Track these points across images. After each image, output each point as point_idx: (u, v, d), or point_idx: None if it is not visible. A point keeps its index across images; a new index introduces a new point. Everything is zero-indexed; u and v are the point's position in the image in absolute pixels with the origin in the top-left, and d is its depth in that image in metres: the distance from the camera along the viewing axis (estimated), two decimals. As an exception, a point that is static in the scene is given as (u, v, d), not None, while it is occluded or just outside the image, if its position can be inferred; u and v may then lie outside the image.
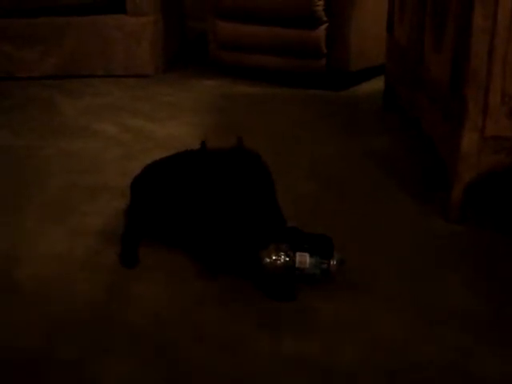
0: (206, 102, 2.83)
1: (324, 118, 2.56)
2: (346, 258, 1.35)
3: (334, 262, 1.32)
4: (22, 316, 1.29)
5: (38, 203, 1.81)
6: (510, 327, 1.21)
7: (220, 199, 1.40)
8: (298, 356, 1.14)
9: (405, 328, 1.22)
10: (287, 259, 1.31)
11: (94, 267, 1.46)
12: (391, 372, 1.10)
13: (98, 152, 2.22)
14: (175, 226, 1.50)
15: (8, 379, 1.12)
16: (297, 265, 1.31)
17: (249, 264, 1.34)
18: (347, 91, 2.93)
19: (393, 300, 1.31)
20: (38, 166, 2.09)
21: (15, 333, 1.24)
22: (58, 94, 3.01)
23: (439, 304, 1.29)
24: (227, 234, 1.37)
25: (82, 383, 1.10)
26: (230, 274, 1.38)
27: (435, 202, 1.71)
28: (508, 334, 1.19)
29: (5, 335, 1.23)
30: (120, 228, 1.60)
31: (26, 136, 2.41)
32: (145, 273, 1.43)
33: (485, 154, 1.52)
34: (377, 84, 2.81)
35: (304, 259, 1.31)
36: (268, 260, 1.32)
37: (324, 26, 2.84)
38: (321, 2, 2.80)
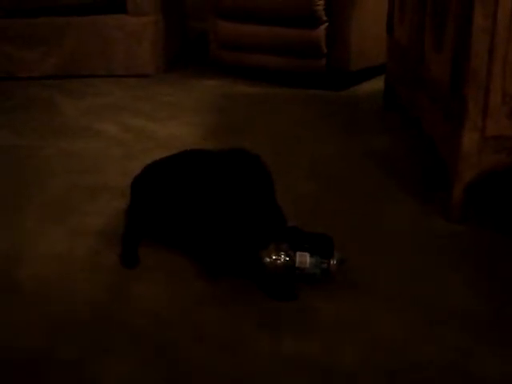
0: (206, 102, 2.83)
1: (324, 117, 2.56)
2: (347, 258, 1.35)
3: (334, 262, 1.31)
4: (22, 316, 1.29)
5: (38, 203, 1.81)
6: (511, 327, 1.21)
7: (220, 199, 1.40)
8: (298, 356, 1.14)
9: (405, 328, 1.22)
10: (287, 259, 1.31)
11: (94, 267, 1.46)
12: (391, 372, 1.10)
13: (99, 152, 2.22)
14: (175, 226, 1.50)
15: (8, 379, 1.12)
16: (297, 264, 1.31)
17: (249, 264, 1.34)
18: (347, 91, 2.93)
19: (393, 300, 1.31)
20: (39, 166, 2.09)
21: (15, 333, 1.24)
22: (58, 94, 3.01)
23: (439, 304, 1.29)
24: (227, 233, 1.37)
25: (82, 383, 1.10)
26: (229, 276, 1.38)
27: (436, 201, 1.71)
28: (508, 334, 1.19)
29: (5, 335, 1.23)
30: (120, 228, 1.60)
31: (27, 136, 2.41)
32: (145, 273, 1.43)
33: (485, 153, 1.52)
34: (377, 84, 2.81)
35: (304, 259, 1.31)
36: (268, 260, 1.32)
37: (324, 26, 2.84)
38: (321, 2, 2.80)
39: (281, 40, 2.97)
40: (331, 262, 1.31)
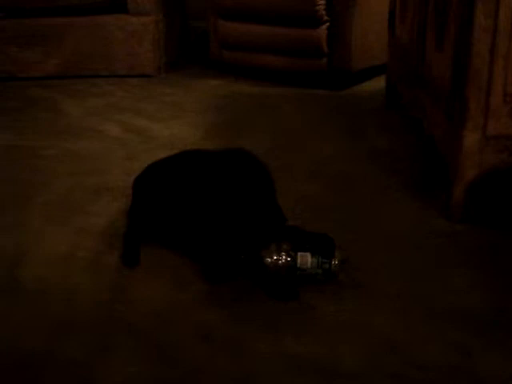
0: (207, 102, 2.83)
1: (325, 117, 2.56)
2: (348, 258, 1.35)
3: (335, 262, 1.31)
4: (23, 316, 1.29)
5: (40, 203, 1.81)
6: (511, 327, 1.21)
7: (220, 199, 1.40)
8: (298, 356, 1.14)
9: (406, 327, 1.21)
10: (289, 259, 1.31)
11: (96, 267, 1.46)
12: (392, 372, 1.10)
13: (101, 152, 2.22)
14: (176, 225, 1.50)
15: (8, 379, 1.12)
16: (298, 265, 1.31)
17: (250, 264, 1.34)
18: (348, 90, 2.93)
19: (394, 299, 1.31)
20: (41, 167, 2.10)
21: (17, 332, 1.24)
22: (60, 94, 3.02)
23: (441, 303, 1.29)
24: (227, 233, 1.37)
25: (83, 383, 1.11)
26: (230, 282, 1.38)
27: (437, 201, 1.71)
28: (510, 334, 1.19)
29: (6, 335, 1.24)
30: (123, 228, 1.60)
31: (28, 136, 2.42)
32: (147, 273, 1.43)
33: (487, 153, 1.52)
34: (378, 83, 2.81)
35: (305, 259, 1.31)
36: (269, 260, 1.32)
37: (325, 26, 2.85)
38: (322, 2, 2.80)
39: (282, 40, 2.97)
40: (332, 262, 1.31)
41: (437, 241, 1.54)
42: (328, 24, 2.84)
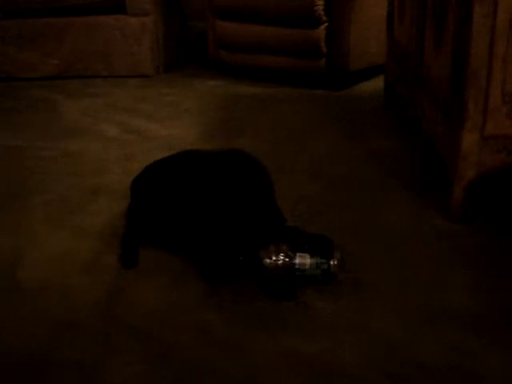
0: (206, 102, 2.83)
1: (324, 117, 2.56)
2: (347, 258, 1.35)
3: (334, 263, 1.32)
4: (22, 317, 1.29)
5: (39, 204, 1.81)
6: (511, 327, 1.21)
7: (218, 200, 1.41)
8: (298, 356, 1.15)
9: (405, 328, 1.22)
10: (287, 260, 1.31)
11: (95, 268, 1.46)
12: (391, 372, 1.10)
13: (100, 152, 2.22)
14: (174, 226, 1.50)
15: (8, 379, 1.12)
16: (297, 266, 1.31)
17: (249, 264, 1.34)
18: (347, 91, 2.93)
19: (394, 300, 1.31)
20: (40, 167, 2.09)
21: (16, 333, 1.24)
22: (58, 94, 3.02)
23: (440, 304, 1.29)
24: (226, 234, 1.37)
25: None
26: (229, 283, 1.38)
27: (436, 201, 1.71)
28: (509, 334, 1.19)
29: (6, 335, 1.24)
30: (121, 229, 1.60)
31: (27, 137, 2.42)
32: (145, 273, 1.43)
33: (485, 153, 1.52)
34: (377, 83, 2.82)
35: (304, 260, 1.31)
36: (268, 261, 1.32)
37: (324, 26, 2.84)
38: (321, 2, 2.80)
39: (280, 40, 2.97)
40: (331, 263, 1.31)
41: (436, 241, 1.54)
42: (326, 24, 2.84)
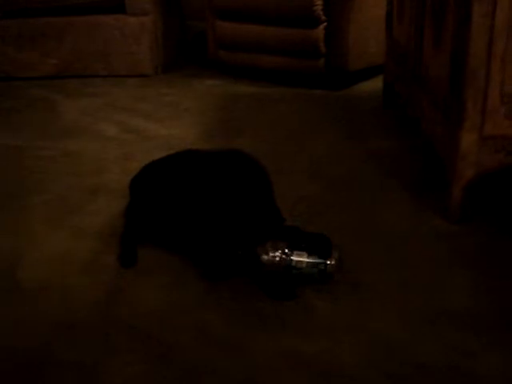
0: (205, 102, 2.83)
1: (323, 117, 2.56)
2: (346, 259, 1.35)
3: (332, 262, 1.31)
4: (22, 317, 1.29)
5: (38, 204, 1.81)
6: (511, 327, 1.22)
7: (217, 199, 1.41)
8: (297, 355, 1.15)
9: (404, 328, 1.22)
10: (284, 257, 1.31)
11: (94, 268, 1.46)
12: (391, 372, 1.10)
13: (99, 152, 2.22)
14: (173, 225, 1.50)
15: (8, 379, 1.12)
16: (294, 264, 1.31)
17: (247, 261, 1.34)
18: (346, 91, 2.93)
19: (393, 300, 1.31)
20: (39, 167, 2.09)
21: (16, 333, 1.24)
22: (58, 94, 3.01)
23: (439, 304, 1.29)
24: (224, 231, 1.37)
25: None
26: (228, 280, 1.38)
27: (435, 201, 1.71)
28: (509, 334, 1.19)
29: (5, 335, 1.24)
30: (120, 228, 1.60)
31: (27, 137, 2.41)
32: (145, 273, 1.43)
33: (484, 153, 1.52)
34: (376, 83, 2.81)
35: (301, 258, 1.31)
36: (266, 257, 1.32)
37: (323, 26, 2.84)
38: (320, 2, 2.80)
39: (279, 40, 2.97)
40: (329, 262, 1.31)
41: (435, 241, 1.54)
42: (325, 24, 2.84)
